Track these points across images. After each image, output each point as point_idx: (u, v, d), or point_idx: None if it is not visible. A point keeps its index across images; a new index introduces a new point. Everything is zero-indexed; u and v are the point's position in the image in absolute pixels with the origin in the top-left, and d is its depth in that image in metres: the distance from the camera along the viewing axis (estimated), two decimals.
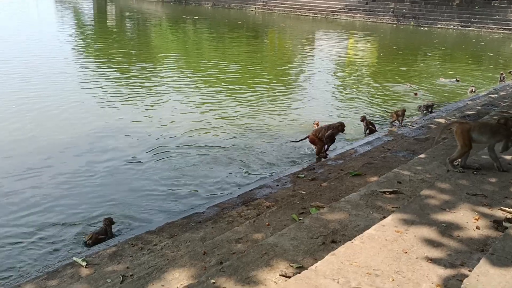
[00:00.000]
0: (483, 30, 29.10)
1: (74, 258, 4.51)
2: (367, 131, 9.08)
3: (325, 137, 7.92)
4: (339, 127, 8.08)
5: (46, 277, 4.25)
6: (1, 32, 21.04)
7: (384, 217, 3.87)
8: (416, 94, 12.78)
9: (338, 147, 8.34)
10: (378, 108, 11.40)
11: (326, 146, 8.12)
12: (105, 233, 5.28)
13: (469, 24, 29.77)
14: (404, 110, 9.76)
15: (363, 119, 9.27)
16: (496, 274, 2.64)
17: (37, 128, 8.92)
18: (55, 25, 24.72)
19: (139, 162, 7.55)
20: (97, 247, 4.97)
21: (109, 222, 5.38)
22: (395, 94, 12.81)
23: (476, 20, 29.81)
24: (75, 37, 21.87)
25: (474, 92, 13.06)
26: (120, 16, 31.65)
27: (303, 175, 6.62)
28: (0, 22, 24.19)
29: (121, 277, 3.83)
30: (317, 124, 9.16)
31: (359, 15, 32.77)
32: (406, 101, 12.11)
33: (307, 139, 8.10)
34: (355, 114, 10.60)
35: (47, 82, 12.31)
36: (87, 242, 5.17)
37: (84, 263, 4.36)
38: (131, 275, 3.85)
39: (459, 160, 5.07)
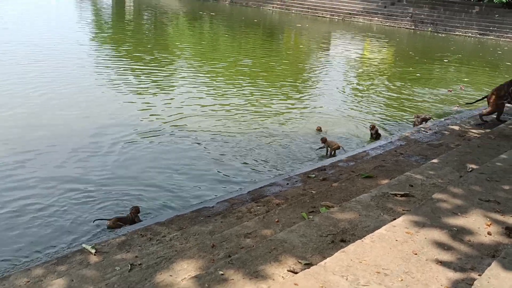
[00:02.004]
0: (501, 39, 28.78)
1: (84, 245, 4.56)
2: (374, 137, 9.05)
3: (509, 92, 7.51)
4: None
5: (55, 262, 4.30)
6: (19, 20, 21.26)
7: (395, 219, 3.85)
8: (462, 88, 14.17)
9: (349, 150, 8.31)
10: (391, 111, 11.35)
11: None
12: (126, 220, 5.44)
13: (488, 32, 29.46)
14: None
15: (373, 127, 9.17)
16: (507, 277, 2.62)
17: (46, 112, 9.10)
18: (73, 16, 24.92)
19: (150, 152, 7.61)
20: (106, 236, 5.02)
21: (136, 211, 5.51)
22: (412, 98, 12.74)
23: (495, 28, 29.48)
24: (92, 27, 22.07)
25: None
26: (138, 10, 31.82)
27: (313, 175, 6.61)
28: (19, 11, 24.40)
29: (130, 266, 3.86)
30: (319, 129, 9.11)
31: (376, 18, 32.57)
32: (421, 106, 12.04)
33: (485, 99, 7.89)
34: (367, 116, 10.57)
35: (62, 69, 12.55)
36: (109, 224, 5.38)
37: (93, 250, 4.40)
38: (140, 264, 3.88)
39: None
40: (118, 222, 5.35)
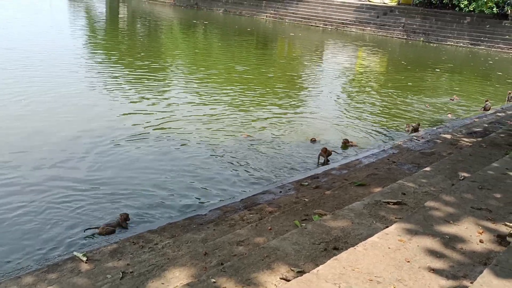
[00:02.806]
0: (492, 49, 29.05)
1: (75, 253, 4.53)
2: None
3: None
4: None
5: (46, 270, 4.27)
6: (13, 25, 21.21)
7: (387, 227, 3.85)
8: (452, 99, 14.07)
9: (342, 158, 8.33)
10: (383, 119, 11.40)
11: None
12: (115, 226, 5.40)
13: (479, 42, 29.73)
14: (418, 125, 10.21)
15: (346, 142, 9.01)
16: (499, 285, 2.63)
17: (35, 117, 9.07)
18: (67, 23, 24.88)
19: (141, 160, 7.58)
20: (97, 244, 4.98)
21: (124, 218, 5.48)
22: (404, 107, 12.81)
23: (486, 39, 29.76)
24: (85, 34, 22.03)
25: (488, 109, 12.96)
26: (131, 18, 31.86)
27: (306, 183, 6.62)
28: (13, 17, 24.32)
29: (121, 273, 3.83)
30: (313, 140, 9.00)
31: (369, 28, 32.78)
32: (413, 114, 12.11)
33: None
34: (360, 124, 10.62)
35: (53, 74, 12.60)
36: (99, 232, 5.32)
37: (84, 258, 4.37)
38: (131, 272, 3.85)
39: None
40: (108, 228, 5.32)
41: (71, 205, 5.95)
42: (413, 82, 17.08)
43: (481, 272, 2.93)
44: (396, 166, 7.07)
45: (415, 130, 10.04)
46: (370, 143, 9.36)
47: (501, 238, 3.62)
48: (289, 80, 15.71)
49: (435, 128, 10.44)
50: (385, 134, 10.15)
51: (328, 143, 8.97)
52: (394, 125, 10.97)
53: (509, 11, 29.89)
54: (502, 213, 4.13)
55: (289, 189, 6.43)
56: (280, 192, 6.33)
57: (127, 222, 5.49)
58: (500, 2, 29.35)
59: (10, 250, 4.98)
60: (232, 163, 7.70)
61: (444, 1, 32.89)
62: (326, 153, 7.98)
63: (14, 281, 4.08)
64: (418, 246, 3.39)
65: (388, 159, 7.69)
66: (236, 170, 7.48)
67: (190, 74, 14.88)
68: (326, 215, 4.63)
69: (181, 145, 8.30)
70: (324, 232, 3.98)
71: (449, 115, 12.11)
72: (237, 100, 11.82)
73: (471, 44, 29.82)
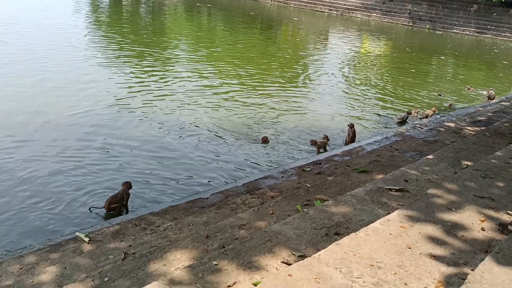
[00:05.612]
0: (499, 38, 28.84)
1: (77, 233, 4.55)
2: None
3: None
4: None
5: (48, 249, 4.29)
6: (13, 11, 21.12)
7: (389, 213, 3.85)
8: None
9: (344, 146, 8.32)
10: (385, 106, 11.37)
11: None
12: (118, 198, 5.53)
13: (485, 30, 29.51)
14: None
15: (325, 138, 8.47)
16: (500, 272, 2.63)
17: (37, 100, 9.10)
18: (69, 4, 24.69)
19: (145, 142, 7.60)
20: (100, 224, 5.01)
21: (127, 186, 5.60)
22: (406, 94, 12.76)
23: (493, 27, 29.54)
24: (88, 16, 21.91)
25: (492, 97, 12.93)
26: (135, 1, 31.58)
27: (308, 169, 6.61)
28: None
29: (123, 254, 3.86)
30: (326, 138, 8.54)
31: (375, 14, 32.52)
32: (413, 102, 12.06)
33: None
34: (363, 112, 10.59)
35: (56, 55, 12.61)
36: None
37: (86, 239, 4.39)
38: (133, 253, 3.88)
39: None
40: (112, 206, 5.39)
41: (73, 186, 5.98)
42: (416, 69, 16.98)
43: (482, 259, 2.93)
44: (398, 154, 7.05)
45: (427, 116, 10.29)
46: (372, 130, 9.34)
47: (503, 227, 3.62)
48: (292, 67, 15.63)
49: (438, 116, 10.40)
50: (387, 121, 10.11)
51: (329, 129, 8.95)
52: (397, 112, 10.93)
53: None
54: (504, 202, 4.12)
55: (291, 175, 6.43)
56: (282, 177, 6.33)
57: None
58: None
59: (12, 229, 5.03)
60: (234, 148, 7.70)
61: None
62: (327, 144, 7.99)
63: (17, 260, 4.11)
64: (419, 232, 3.40)
65: (391, 146, 7.67)
66: (238, 154, 7.49)
67: (192, 60, 14.80)
68: (328, 200, 4.64)
69: (184, 130, 8.29)
70: (325, 217, 3.99)
71: (449, 105, 12.07)
72: (238, 86, 11.79)
73: (477, 32, 29.59)
